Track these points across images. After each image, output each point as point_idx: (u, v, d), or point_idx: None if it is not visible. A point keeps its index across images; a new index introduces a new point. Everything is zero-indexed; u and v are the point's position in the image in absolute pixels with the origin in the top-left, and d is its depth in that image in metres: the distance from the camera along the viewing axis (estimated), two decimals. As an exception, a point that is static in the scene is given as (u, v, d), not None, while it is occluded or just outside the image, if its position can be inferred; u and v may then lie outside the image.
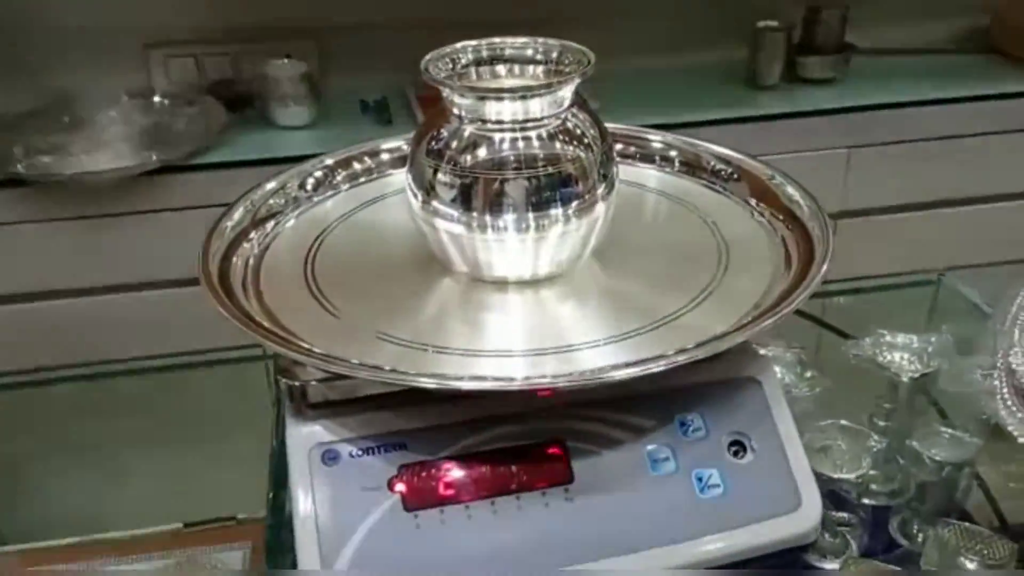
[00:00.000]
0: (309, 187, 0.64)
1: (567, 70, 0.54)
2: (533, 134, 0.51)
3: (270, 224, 0.60)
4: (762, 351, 0.52)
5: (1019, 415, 0.57)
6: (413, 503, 0.45)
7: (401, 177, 0.56)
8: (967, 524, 0.62)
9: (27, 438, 0.80)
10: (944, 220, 1.46)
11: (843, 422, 0.67)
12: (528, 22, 1.49)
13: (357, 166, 0.66)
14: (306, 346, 0.47)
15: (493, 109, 0.50)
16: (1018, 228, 1.46)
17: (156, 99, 1.40)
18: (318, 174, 0.64)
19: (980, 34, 1.59)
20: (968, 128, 1.39)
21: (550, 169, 0.51)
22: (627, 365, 0.45)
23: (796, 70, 1.44)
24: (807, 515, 0.47)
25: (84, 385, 0.83)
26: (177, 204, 1.26)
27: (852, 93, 1.41)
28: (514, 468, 0.46)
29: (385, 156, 0.68)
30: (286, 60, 1.36)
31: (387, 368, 0.44)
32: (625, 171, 0.66)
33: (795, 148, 1.36)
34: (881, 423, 0.70)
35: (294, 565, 0.44)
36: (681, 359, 0.45)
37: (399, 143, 0.68)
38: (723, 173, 0.65)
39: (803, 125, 1.36)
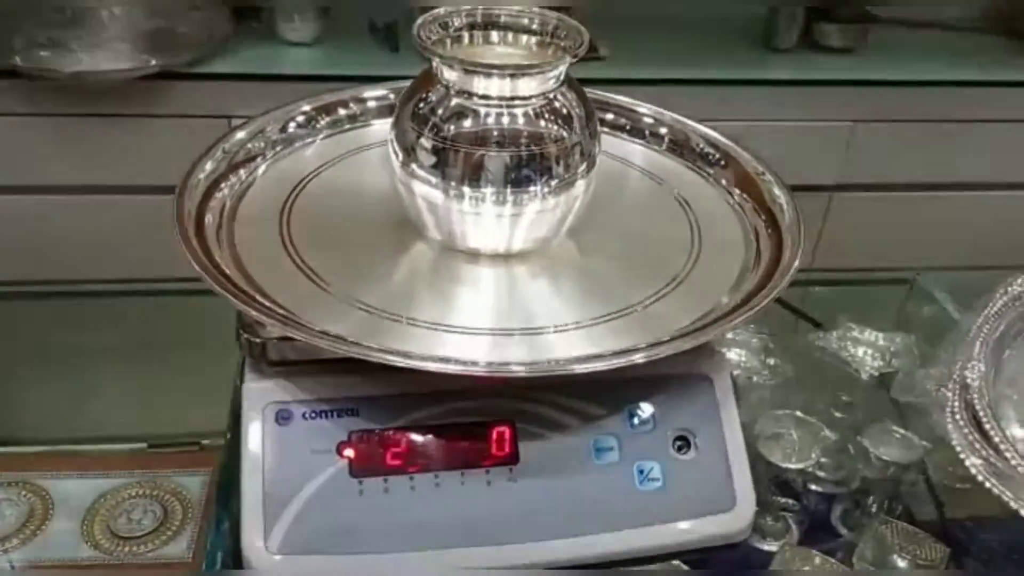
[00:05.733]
0: (292, 130, 0.63)
1: (561, 45, 0.53)
2: (519, 111, 0.51)
3: (251, 167, 0.60)
4: (720, 349, 0.53)
5: (965, 430, 0.58)
6: (359, 469, 0.46)
7: (386, 127, 0.56)
8: (904, 524, 0.64)
9: (10, 350, 0.81)
10: (940, 204, 1.45)
11: (798, 413, 0.68)
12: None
13: (343, 111, 0.66)
14: (269, 306, 0.48)
15: (481, 84, 0.50)
16: (1011, 219, 1.46)
17: (162, -3, 1.37)
18: (301, 118, 0.64)
19: (1006, 14, 1.56)
20: (977, 113, 1.38)
21: (532, 147, 0.51)
22: (589, 359, 0.46)
23: (813, 36, 1.41)
24: (740, 516, 0.49)
25: (61, 301, 0.84)
26: (173, 112, 1.25)
27: (866, 66, 1.39)
28: (461, 444, 0.47)
29: (372, 104, 0.67)
30: (296, -28, 1.33)
31: (349, 339, 0.45)
32: (613, 144, 0.66)
33: (800, 116, 1.34)
34: (838, 415, 0.72)
35: (239, 515, 0.45)
36: (641, 357, 0.46)
37: (387, 92, 0.67)
38: (710, 157, 0.65)
39: (811, 94, 1.34)
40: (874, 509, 0.67)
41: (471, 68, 0.49)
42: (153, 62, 1.21)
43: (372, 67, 1.28)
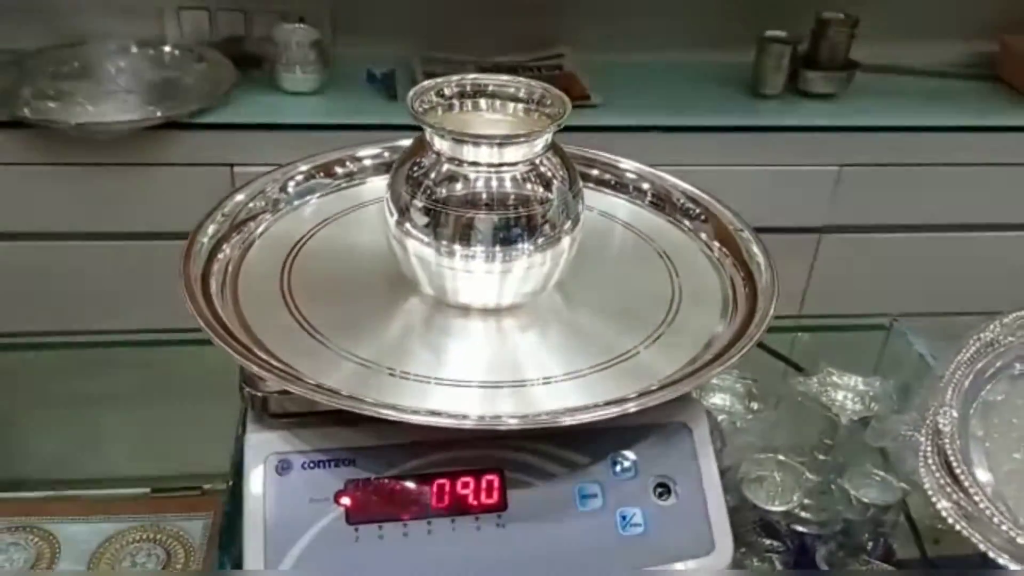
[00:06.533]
0: (291, 190, 0.66)
1: (546, 112, 0.57)
2: (507, 176, 0.54)
3: (252, 226, 0.63)
4: (698, 398, 0.56)
5: (937, 474, 0.60)
6: (355, 517, 0.48)
7: (381, 185, 0.59)
8: (883, 565, 0.67)
9: (18, 397, 0.84)
10: (924, 247, 1.48)
11: (780, 456, 0.71)
12: (538, 7, 1.52)
13: (339, 170, 0.69)
14: (269, 360, 0.50)
15: (470, 151, 0.53)
16: (993, 258, 1.49)
17: (167, 49, 1.42)
18: (299, 178, 0.67)
19: (986, 60, 1.60)
20: (959, 157, 1.42)
21: (519, 209, 0.54)
22: (574, 411, 0.49)
23: (798, 83, 1.45)
24: (719, 559, 0.51)
25: (67, 349, 0.86)
26: (178, 160, 1.28)
27: (850, 111, 1.43)
28: (452, 492, 0.50)
29: (368, 163, 0.70)
30: (299, 25, 1.37)
31: (344, 393, 0.47)
32: (598, 199, 0.69)
33: (787, 161, 1.38)
34: (821, 457, 0.74)
35: (241, 557, 0.48)
36: (623, 408, 0.48)
37: (381, 150, 0.70)
38: (691, 212, 0.68)
39: (798, 139, 1.38)
40: (856, 549, 0.69)
41: (461, 137, 0.52)
42: (158, 113, 1.25)
43: (371, 115, 1.32)
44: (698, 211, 0.67)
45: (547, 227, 0.55)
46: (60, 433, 0.82)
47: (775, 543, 0.69)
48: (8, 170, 1.27)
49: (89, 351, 0.88)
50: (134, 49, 1.36)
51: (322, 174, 0.68)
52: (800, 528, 0.70)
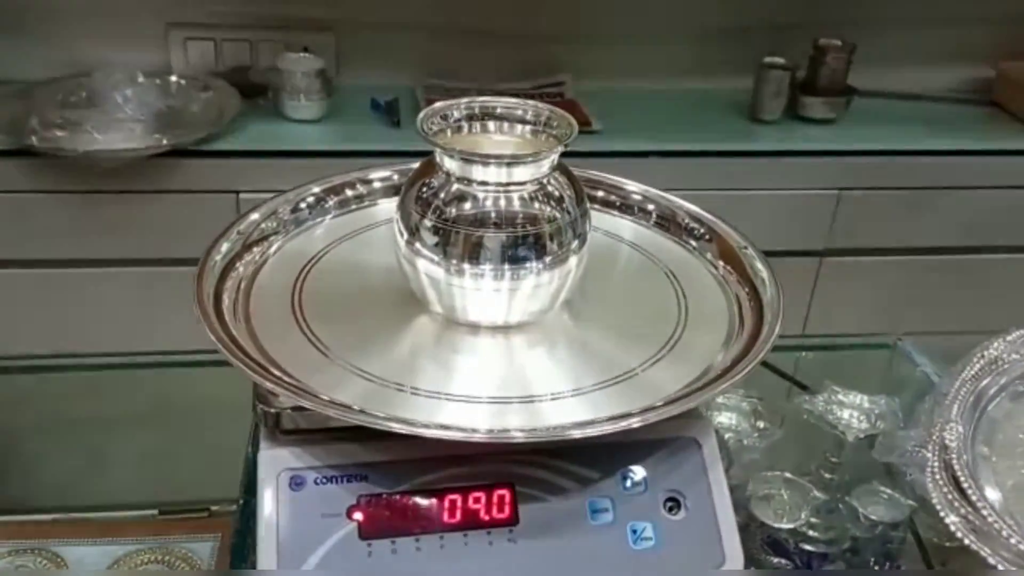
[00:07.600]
0: (303, 210, 0.67)
1: (553, 133, 0.58)
2: (515, 195, 0.55)
3: (265, 246, 0.64)
4: (707, 414, 0.56)
5: (944, 489, 0.61)
6: (368, 532, 0.49)
7: (390, 206, 0.60)
8: (893, 584, 0.67)
9: (26, 420, 0.84)
10: (924, 267, 1.49)
11: (787, 474, 0.71)
12: (539, 36, 1.54)
13: (350, 192, 0.70)
14: (281, 377, 0.51)
15: (479, 171, 0.54)
16: (991, 280, 1.50)
17: (173, 79, 1.43)
18: (311, 199, 0.68)
19: (982, 85, 1.62)
20: (957, 181, 1.43)
21: (528, 228, 0.55)
22: (583, 425, 0.49)
23: (797, 108, 1.47)
24: (730, 573, 0.51)
25: (75, 373, 0.87)
26: (184, 187, 1.29)
27: (848, 136, 1.44)
28: (463, 507, 0.50)
29: (378, 185, 0.71)
30: (303, 54, 1.39)
31: (356, 408, 0.48)
32: (604, 220, 0.70)
33: (786, 185, 1.39)
34: (827, 475, 0.75)
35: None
36: (632, 423, 0.49)
37: (391, 172, 0.71)
38: (696, 232, 0.69)
39: (797, 164, 1.39)
40: (864, 567, 0.69)
41: (470, 157, 0.53)
42: (164, 141, 1.26)
43: (375, 142, 1.33)
44: (702, 230, 0.68)
45: (555, 246, 0.56)
46: (67, 456, 0.82)
47: (783, 561, 0.69)
48: (17, 197, 1.28)
49: (94, 374, 0.89)
50: (141, 79, 1.38)
51: (333, 195, 0.69)
52: (808, 546, 0.70)
